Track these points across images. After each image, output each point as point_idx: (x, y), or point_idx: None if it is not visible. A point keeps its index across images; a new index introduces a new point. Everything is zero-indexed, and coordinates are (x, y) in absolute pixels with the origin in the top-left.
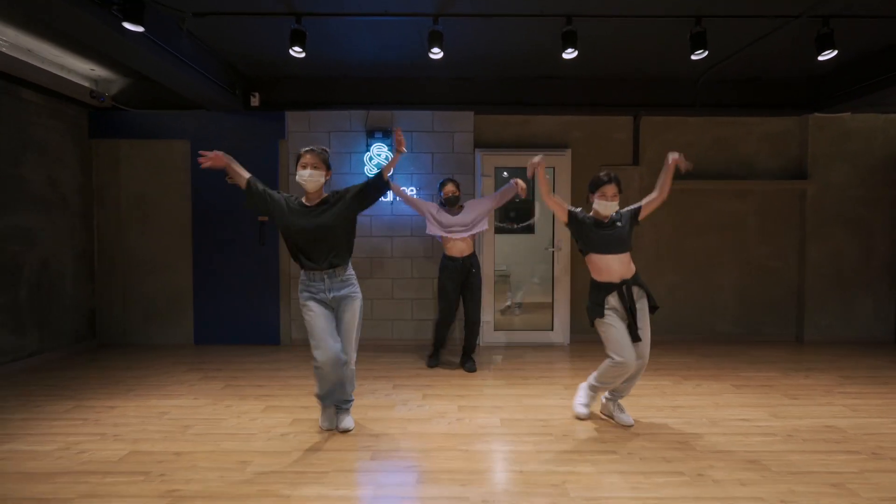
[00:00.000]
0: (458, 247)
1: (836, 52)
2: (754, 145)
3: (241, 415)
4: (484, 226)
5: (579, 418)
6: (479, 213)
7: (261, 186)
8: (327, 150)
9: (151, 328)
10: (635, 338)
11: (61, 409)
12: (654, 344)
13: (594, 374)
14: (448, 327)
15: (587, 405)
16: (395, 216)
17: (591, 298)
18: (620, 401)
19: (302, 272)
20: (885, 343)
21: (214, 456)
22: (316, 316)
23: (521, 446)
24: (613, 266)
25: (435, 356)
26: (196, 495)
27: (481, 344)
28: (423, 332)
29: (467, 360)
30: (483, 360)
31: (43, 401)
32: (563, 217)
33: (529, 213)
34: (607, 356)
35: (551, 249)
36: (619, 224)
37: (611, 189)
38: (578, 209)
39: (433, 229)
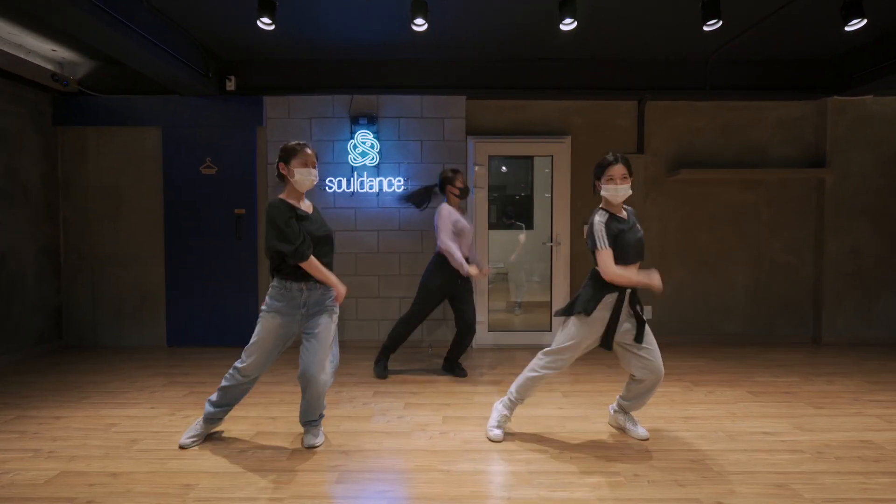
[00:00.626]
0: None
1: (865, 22)
2: (768, 131)
3: None
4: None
5: (495, 441)
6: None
7: (298, 232)
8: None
9: (122, 329)
10: (639, 339)
11: (1, 419)
12: (659, 345)
13: (516, 384)
14: (413, 330)
15: (501, 426)
16: (381, 209)
17: (588, 292)
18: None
19: (276, 280)
20: None
21: (156, 478)
22: (271, 329)
23: (512, 466)
24: (629, 275)
25: (385, 362)
26: None
27: (474, 346)
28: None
29: (456, 367)
30: (474, 363)
31: None
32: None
33: (529, 212)
34: (547, 354)
35: (549, 244)
36: (638, 226)
37: (618, 170)
38: (603, 219)
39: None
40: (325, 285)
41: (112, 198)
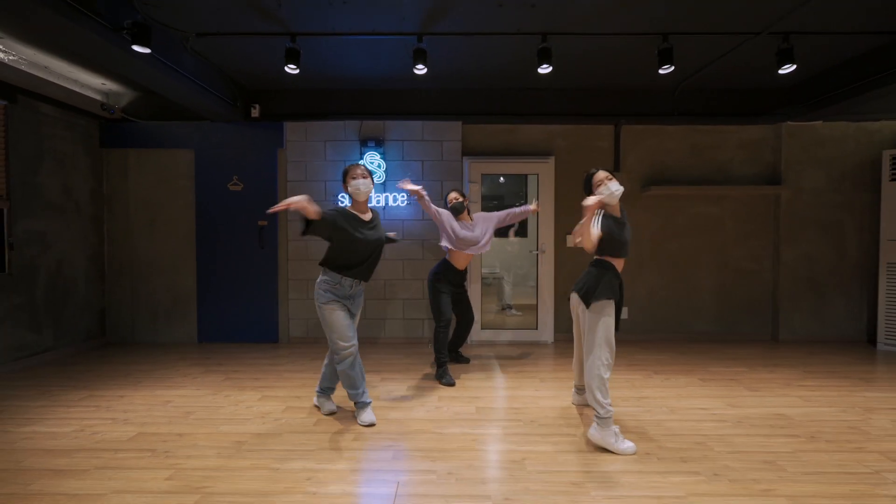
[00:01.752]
0: (463, 260)
1: (794, 67)
2: (730, 152)
3: (238, 403)
4: (487, 247)
5: (632, 452)
6: (488, 229)
7: (329, 215)
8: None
9: (157, 327)
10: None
11: (76, 397)
12: (631, 342)
13: (598, 400)
14: (448, 335)
15: (620, 435)
16: (387, 220)
17: (605, 278)
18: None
19: (327, 275)
20: (858, 342)
21: (213, 437)
22: (341, 314)
23: (491, 430)
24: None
25: (445, 372)
26: (196, 468)
27: (468, 342)
28: (412, 330)
29: (459, 355)
30: (467, 355)
31: (59, 391)
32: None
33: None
34: (601, 359)
35: (536, 252)
36: (628, 224)
37: (601, 175)
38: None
39: (446, 241)
40: (362, 282)
41: (150, 211)
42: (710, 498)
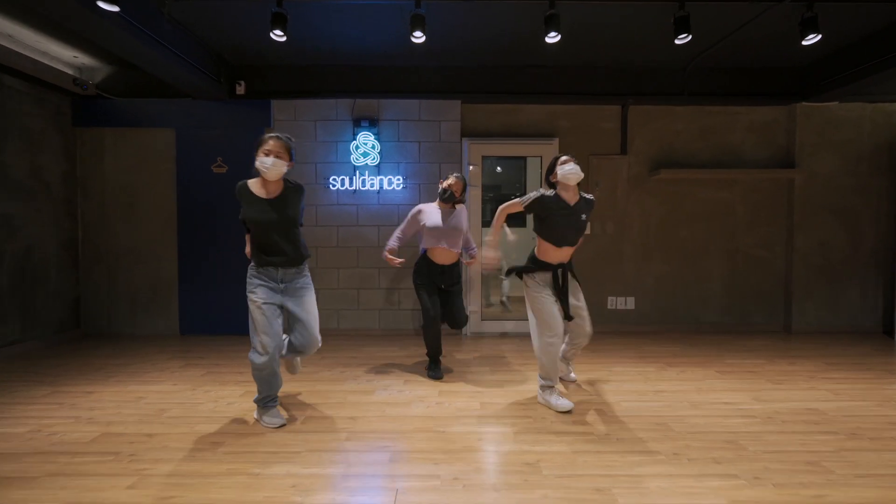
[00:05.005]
0: (444, 255)
1: (819, 37)
2: (742, 134)
3: (218, 399)
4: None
5: (568, 412)
6: (465, 229)
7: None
8: (292, 139)
9: (136, 318)
10: (567, 317)
11: (38, 394)
12: (640, 334)
13: (539, 374)
14: (438, 331)
15: (560, 397)
16: (381, 205)
17: (527, 262)
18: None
19: (253, 264)
20: (874, 333)
21: (187, 438)
22: (261, 307)
23: (499, 428)
24: (558, 254)
25: (435, 366)
26: (164, 474)
27: (468, 334)
28: (409, 321)
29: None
30: (468, 348)
31: (20, 386)
32: (517, 209)
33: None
34: (535, 339)
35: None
36: (583, 217)
37: (564, 157)
38: (542, 192)
39: (426, 238)
40: (298, 266)
41: (127, 195)
42: None
